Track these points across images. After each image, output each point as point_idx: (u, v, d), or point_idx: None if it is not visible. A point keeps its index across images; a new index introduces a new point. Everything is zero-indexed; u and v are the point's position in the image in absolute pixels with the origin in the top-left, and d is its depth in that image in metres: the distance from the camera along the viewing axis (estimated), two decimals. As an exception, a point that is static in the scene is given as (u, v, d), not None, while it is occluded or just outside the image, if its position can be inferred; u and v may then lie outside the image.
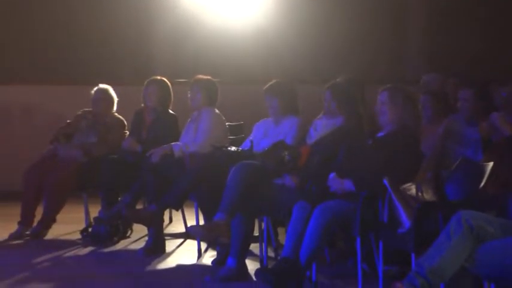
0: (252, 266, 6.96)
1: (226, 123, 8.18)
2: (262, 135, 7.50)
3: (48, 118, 10.53)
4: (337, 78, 7.26)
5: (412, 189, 5.96)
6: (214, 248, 7.60)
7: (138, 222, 8.12)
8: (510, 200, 5.24)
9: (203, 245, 7.81)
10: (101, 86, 8.86)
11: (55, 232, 8.44)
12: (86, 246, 8.12)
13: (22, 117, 11.18)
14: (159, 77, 8.57)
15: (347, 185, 6.26)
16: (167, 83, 8.50)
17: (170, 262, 7.55)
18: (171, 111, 8.48)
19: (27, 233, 8.38)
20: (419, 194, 5.90)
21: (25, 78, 11.26)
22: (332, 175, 6.37)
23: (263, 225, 7.29)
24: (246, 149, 7.46)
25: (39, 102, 11.16)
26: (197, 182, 7.46)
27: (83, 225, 8.49)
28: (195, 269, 7.35)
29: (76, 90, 10.28)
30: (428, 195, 5.86)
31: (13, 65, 11.37)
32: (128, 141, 8.46)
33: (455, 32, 12.23)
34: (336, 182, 6.32)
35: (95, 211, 8.44)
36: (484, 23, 12.25)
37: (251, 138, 7.60)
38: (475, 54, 11.96)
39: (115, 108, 8.84)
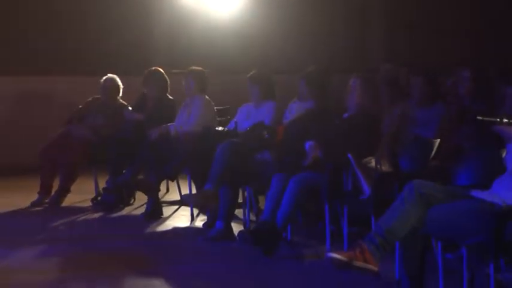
0: (237, 228, 6.95)
1: (215, 108, 8.16)
2: (245, 117, 7.49)
3: (62, 103, 10.47)
4: (309, 68, 7.24)
5: (372, 162, 5.98)
6: (204, 213, 7.59)
7: (139, 190, 8.16)
8: (454, 170, 5.25)
9: (195, 211, 7.79)
10: (109, 75, 8.83)
11: (69, 200, 8.42)
12: (95, 212, 8.11)
13: (41, 102, 11.13)
14: (154, 68, 8.55)
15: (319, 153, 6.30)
16: (161, 72, 8.46)
17: (167, 225, 7.55)
18: (169, 97, 8.45)
19: (46, 201, 8.37)
20: (378, 166, 5.91)
21: (43, 69, 11.21)
22: (309, 143, 6.37)
23: (246, 193, 7.31)
24: (231, 129, 7.46)
25: (55, 90, 11.11)
26: (190, 157, 7.45)
27: (93, 195, 8.49)
28: (189, 231, 7.35)
29: (86, 80, 10.23)
30: (385, 167, 5.88)
31: (27, 57, 11.30)
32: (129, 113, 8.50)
33: (413, 26, 12.22)
34: (313, 148, 6.31)
35: (103, 182, 8.43)
36: (440, 17, 12.26)
37: (235, 119, 7.60)
38: (429, 46, 11.95)
39: (120, 94, 8.80)
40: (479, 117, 4.69)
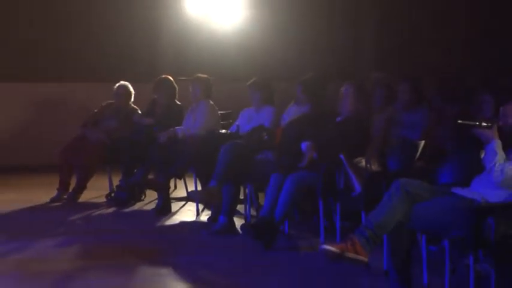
0: (238, 222, 6.98)
1: (219, 112, 8.18)
2: (246, 120, 7.50)
3: (78, 108, 10.47)
4: (306, 75, 7.25)
5: (362, 162, 5.99)
6: (209, 208, 7.60)
7: (150, 188, 8.17)
8: (437, 169, 5.28)
9: (201, 206, 7.80)
10: (122, 82, 8.84)
11: (85, 196, 8.43)
12: (109, 207, 8.12)
13: (56, 107, 11.13)
14: (163, 76, 8.57)
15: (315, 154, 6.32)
16: (171, 80, 8.49)
17: (175, 219, 7.56)
18: (177, 102, 8.47)
19: (64, 197, 8.37)
20: (368, 166, 5.93)
21: (59, 76, 11.23)
22: (305, 144, 6.39)
23: (247, 190, 7.31)
24: (234, 131, 7.47)
25: (71, 96, 11.12)
26: (195, 158, 7.45)
27: (107, 191, 8.49)
28: (195, 225, 7.36)
29: (100, 86, 10.25)
30: (374, 167, 5.89)
31: (48, 65, 11.32)
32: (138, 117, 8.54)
33: (399, 37, 12.23)
34: (309, 149, 6.34)
35: (116, 180, 8.44)
36: (431, 29, 12.27)
37: (237, 123, 7.60)
38: (419, 55, 11.96)
39: (132, 100, 8.82)
40: (460, 121, 4.72)
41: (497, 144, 4.59)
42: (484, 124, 4.64)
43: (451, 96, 6.80)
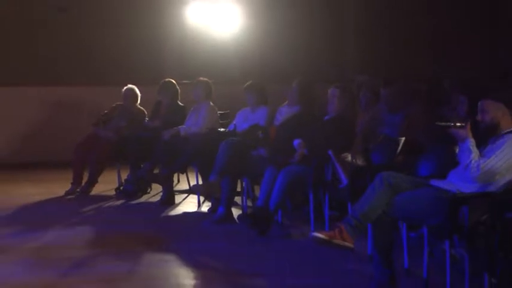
0: (236, 212, 6.98)
1: (218, 112, 8.19)
2: (243, 120, 7.51)
3: (89, 110, 10.45)
4: (300, 77, 7.25)
5: (348, 157, 5.99)
6: (209, 200, 7.60)
7: (155, 182, 8.17)
8: (416, 164, 5.29)
9: (202, 198, 7.81)
10: (129, 85, 8.84)
11: (97, 190, 8.43)
12: (118, 199, 8.12)
13: (70, 108, 11.10)
14: (167, 79, 8.57)
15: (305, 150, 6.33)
16: (174, 83, 8.49)
17: (178, 210, 7.57)
18: (180, 103, 8.47)
19: (78, 190, 8.36)
20: (354, 160, 5.93)
21: (72, 80, 11.22)
22: (297, 141, 6.40)
23: (244, 183, 7.31)
24: (231, 130, 7.47)
25: (82, 98, 11.10)
26: (197, 154, 7.46)
27: (116, 185, 8.49)
28: (196, 215, 7.37)
29: (109, 89, 10.21)
30: (359, 161, 5.90)
31: (62, 71, 11.31)
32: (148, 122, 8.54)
33: (381, 45, 12.24)
34: (300, 146, 6.35)
35: (125, 175, 8.43)
36: (411, 34, 12.28)
37: (234, 122, 7.62)
38: (396, 61, 11.95)
39: (139, 101, 8.82)
40: (437, 123, 4.73)
41: (471, 142, 4.60)
42: (458, 124, 4.65)
43: (410, 97, 6.82)
